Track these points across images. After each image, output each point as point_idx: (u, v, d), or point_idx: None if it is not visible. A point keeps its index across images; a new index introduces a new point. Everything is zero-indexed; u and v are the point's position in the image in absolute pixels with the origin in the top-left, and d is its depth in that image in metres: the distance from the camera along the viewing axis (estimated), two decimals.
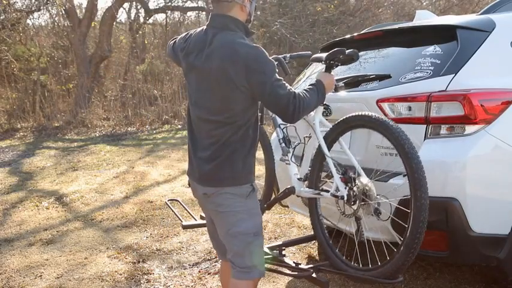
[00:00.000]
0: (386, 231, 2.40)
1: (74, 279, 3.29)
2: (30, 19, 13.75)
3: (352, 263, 2.44)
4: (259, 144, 3.12)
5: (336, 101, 2.67)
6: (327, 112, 2.58)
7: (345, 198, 2.29)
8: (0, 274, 3.44)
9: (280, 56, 2.75)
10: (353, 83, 2.72)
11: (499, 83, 2.33)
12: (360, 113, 2.34)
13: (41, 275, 3.38)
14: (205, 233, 3.98)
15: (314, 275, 2.40)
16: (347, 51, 2.30)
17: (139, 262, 3.53)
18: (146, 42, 15.75)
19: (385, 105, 2.48)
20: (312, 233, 3.57)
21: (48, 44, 13.53)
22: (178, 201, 3.61)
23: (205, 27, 2.04)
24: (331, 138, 2.47)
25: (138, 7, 14.91)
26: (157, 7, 14.49)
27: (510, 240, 2.29)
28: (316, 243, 3.69)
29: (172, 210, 3.40)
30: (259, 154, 2.53)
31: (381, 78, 2.64)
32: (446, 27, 2.64)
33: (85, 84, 11.74)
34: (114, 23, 13.95)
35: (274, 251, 2.72)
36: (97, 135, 10.13)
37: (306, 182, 2.60)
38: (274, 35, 12.05)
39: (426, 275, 3.02)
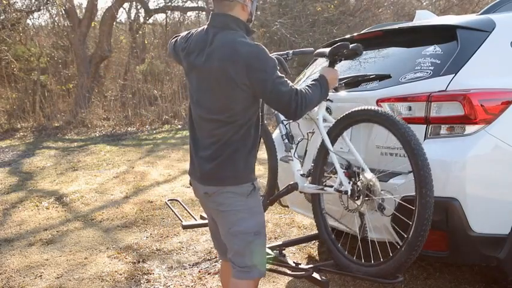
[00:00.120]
0: (389, 231, 2.40)
1: (74, 279, 3.29)
2: (30, 19, 13.78)
3: (354, 257, 2.43)
4: (261, 142, 3.14)
5: (336, 101, 2.66)
6: (327, 112, 2.58)
7: (349, 193, 2.28)
8: (0, 274, 3.44)
9: (281, 54, 2.72)
10: (353, 83, 2.72)
11: (499, 83, 2.33)
12: (366, 107, 2.32)
13: (41, 275, 3.38)
14: (205, 233, 3.98)
15: (314, 275, 2.40)
16: (351, 45, 2.28)
17: (139, 262, 3.53)
18: (146, 42, 15.76)
19: (385, 105, 2.48)
20: (312, 232, 3.58)
21: (48, 44, 13.53)
22: (178, 201, 3.61)
23: (206, 26, 2.04)
24: (335, 133, 2.45)
25: (138, 7, 14.92)
26: (157, 7, 14.50)
27: (510, 240, 2.28)
28: (317, 243, 3.69)
29: (172, 210, 3.40)
30: (259, 154, 2.53)
31: (380, 78, 2.64)
32: (446, 27, 2.64)
33: (85, 84, 11.74)
34: (114, 23, 13.95)
35: (274, 251, 2.72)
36: (97, 135, 10.13)
37: (309, 178, 2.58)
38: (274, 35, 12.05)
39: (426, 275, 3.02)
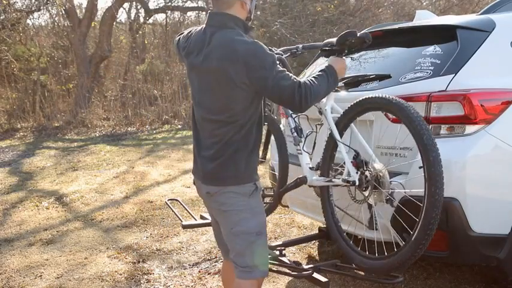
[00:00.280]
0: (386, 231, 2.39)
1: (74, 279, 3.29)
2: (30, 19, 13.77)
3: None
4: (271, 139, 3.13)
5: (335, 101, 2.66)
6: (322, 111, 2.55)
7: (356, 183, 2.24)
8: (0, 274, 3.44)
9: (291, 49, 2.67)
10: (353, 83, 2.71)
11: (499, 83, 2.33)
12: (378, 95, 2.26)
13: (41, 275, 3.38)
14: (205, 233, 3.98)
15: (314, 275, 2.40)
16: (359, 33, 2.24)
17: (139, 262, 3.53)
18: (146, 42, 15.75)
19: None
20: (312, 232, 3.58)
21: (48, 44, 13.53)
22: (178, 201, 3.61)
23: (204, 25, 2.03)
24: (343, 123, 2.42)
25: (138, 7, 14.91)
26: (157, 7, 14.48)
27: (510, 240, 2.29)
28: (317, 243, 3.69)
29: (173, 210, 3.40)
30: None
31: (380, 78, 2.64)
32: (446, 27, 2.64)
33: (85, 84, 11.74)
34: (114, 23, 13.94)
35: (274, 251, 2.72)
36: (97, 135, 10.13)
37: (318, 171, 2.55)
38: (274, 35, 12.04)
39: (426, 275, 3.02)
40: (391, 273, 2.37)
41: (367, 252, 2.37)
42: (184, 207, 3.41)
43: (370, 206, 2.34)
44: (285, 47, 2.67)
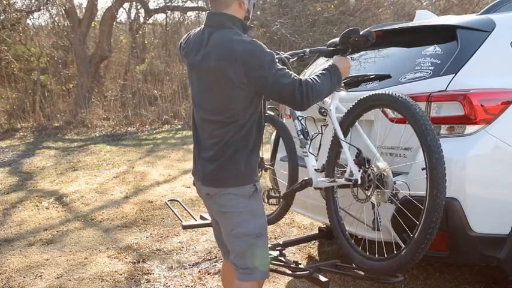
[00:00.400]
0: (386, 231, 2.39)
1: (74, 279, 3.29)
2: (30, 19, 13.77)
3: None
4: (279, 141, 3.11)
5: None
6: (326, 112, 2.55)
7: (359, 181, 2.22)
8: (0, 274, 3.44)
9: (298, 53, 2.64)
10: (353, 83, 2.71)
11: (499, 83, 2.33)
12: (385, 92, 2.24)
13: (41, 275, 3.38)
14: (205, 233, 3.98)
15: (314, 275, 2.40)
16: (362, 31, 2.23)
17: (139, 262, 3.53)
18: (146, 42, 15.75)
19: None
20: (312, 232, 3.58)
21: (48, 44, 13.53)
22: (178, 201, 3.61)
23: (203, 26, 2.03)
24: (347, 123, 2.41)
25: (138, 7, 14.91)
26: (157, 7, 14.47)
27: (510, 240, 2.29)
28: (317, 243, 3.69)
29: (172, 210, 3.40)
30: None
31: (380, 78, 2.64)
32: (446, 27, 2.64)
33: (85, 84, 11.74)
34: (114, 23, 13.94)
35: (274, 251, 2.72)
36: (97, 135, 10.13)
37: (323, 173, 2.54)
38: (274, 35, 12.04)
39: (426, 275, 3.02)
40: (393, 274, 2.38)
41: (367, 253, 2.37)
42: (184, 207, 3.41)
43: (373, 206, 2.33)
44: (292, 51, 2.65)
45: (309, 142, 2.62)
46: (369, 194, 2.24)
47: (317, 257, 3.51)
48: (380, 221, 2.33)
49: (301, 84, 1.89)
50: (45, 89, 12.02)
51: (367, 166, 2.22)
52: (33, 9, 12.86)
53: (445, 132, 2.31)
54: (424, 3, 15.18)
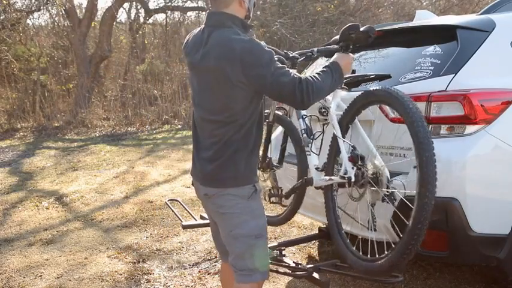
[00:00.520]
0: (386, 231, 2.39)
1: (74, 279, 3.29)
2: (30, 19, 13.77)
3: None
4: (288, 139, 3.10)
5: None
6: (326, 112, 2.55)
7: (352, 179, 2.19)
8: (0, 274, 3.44)
9: (305, 52, 2.59)
10: (353, 83, 2.71)
11: (499, 83, 2.33)
12: (381, 87, 2.22)
13: (41, 275, 3.38)
14: (205, 233, 3.98)
15: (314, 275, 2.40)
16: (362, 28, 2.20)
17: (139, 262, 3.53)
18: (146, 42, 15.75)
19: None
20: (312, 232, 3.58)
21: (48, 44, 13.53)
22: (178, 201, 3.61)
23: (203, 26, 2.02)
24: (346, 120, 2.39)
25: (138, 7, 14.91)
26: (157, 7, 14.48)
27: (510, 240, 2.28)
28: (317, 243, 3.69)
29: (172, 210, 3.40)
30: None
31: (380, 78, 2.64)
32: (446, 27, 2.64)
33: (85, 84, 11.74)
34: (114, 23, 13.94)
35: (274, 251, 2.71)
36: (97, 135, 10.13)
37: (324, 172, 2.51)
38: (274, 35, 12.04)
39: (426, 275, 3.02)
40: (391, 274, 2.37)
41: (361, 253, 2.35)
42: (184, 207, 3.41)
43: (369, 205, 2.31)
44: (300, 51, 2.64)
45: (312, 141, 2.60)
46: (361, 193, 2.21)
47: (317, 257, 3.51)
48: (375, 221, 2.31)
49: (301, 82, 1.87)
50: (45, 89, 12.02)
51: (360, 163, 2.18)
52: (33, 9, 12.86)
53: (445, 132, 2.31)
54: (424, 3, 15.18)
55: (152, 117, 11.11)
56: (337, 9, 12.87)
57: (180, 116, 11.04)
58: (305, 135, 2.59)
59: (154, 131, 10.37)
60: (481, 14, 2.72)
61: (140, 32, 15.23)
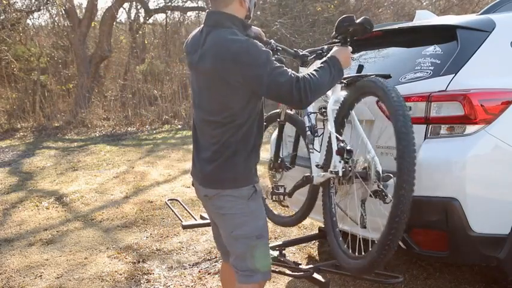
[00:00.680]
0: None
1: (74, 279, 3.29)
2: (30, 19, 13.76)
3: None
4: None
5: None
6: (325, 112, 2.54)
7: (340, 173, 2.15)
8: (0, 274, 3.44)
9: (315, 50, 2.59)
10: (353, 82, 2.71)
11: (499, 83, 2.33)
12: (370, 78, 2.21)
13: (41, 275, 3.38)
14: (205, 233, 3.98)
15: (314, 275, 2.40)
16: (357, 20, 2.15)
17: (139, 262, 3.53)
18: (146, 42, 15.75)
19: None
20: (312, 232, 3.59)
21: (48, 44, 13.52)
22: (178, 201, 3.61)
23: (202, 25, 2.02)
24: (342, 114, 2.37)
25: (138, 7, 14.90)
26: (157, 7, 14.47)
27: (510, 240, 2.29)
28: (317, 243, 3.69)
29: (172, 210, 3.40)
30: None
31: (381, 78, 2.64)
32: (446, 27, 2.64)
33: (85, 84, 11.74)
34: (114, 23, 13.94)
35: (274, 251, 2.71)
36: (97, 135, 10.13)
37: (323, 169, 2.49)
38: (274, 35, 12.02)
39: (426, 275, 3.02)
40: (391, 274, 2.38)
41: (350, 251, 2.33)
42: (184, 207, 3.41)
43: (363, 202, 2.26)
44: (310, 49, 2.62)
45: (315, 139, 2.58)
46: (348, 188, 2.17)
47: (317, 257, 3.51)
48: (365, 218, 2.27)
49: (298, 81, 1.83)
50: (45, 89, 12.02)
51: (346, 156, 2.14)
52: (33, 9, 12.86)
53: (445, 132, 2.31)
54: (424, 3, 15.18)
55: (152, 117, 11.11)
56: (337, 9, 12.86)
57: (180, 116, 11.04)
58: (309, 132, 2.56)
59: (154, 131, 10.37)
60: (481, 14, 2.72)
61: (140, 32, 15.23)
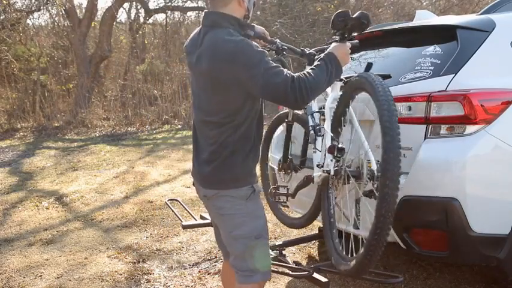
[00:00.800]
0: None
1: (74, 279, 3.29)
2: (30, 19, 13.78)
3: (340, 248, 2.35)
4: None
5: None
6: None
7: (331, 172, 2.12)
8: (0, 274, 3.44)
9: (322, 49, 2.54)
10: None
11: (499, 83, 2.33)
12: (360, 74, 2.18)
13: (41, 275, 3.38)
14: (205, 233, 3.98)
15: (314, 275, 2.40)
16: (354, 15, 2.11)
17: (139, 262, 3.53)
18: (146, 42, 15.76)
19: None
20: (312, 232, 3.58)
21: (48, 44, 13.53)
22: (178, 201, 3.61)
23: (201, 26, 2.01)
24: (340, 111, 2.36)
25: (138, 7, 14.92)
26: (157, 7, 14.49)
27: (510, 240, 2.28)
28: (317, 243, 3.69)
29: (172, 210, 3.40)
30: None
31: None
32: (446, 27, 2.64)
33: (85, 84, 11.74)
34: (114, 23, 13.95)
35: (274, 251, 2.71)
36: (97, 135, 10.13)
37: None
38: (274, 35, 12.03)
39: (426, 275, 3.02)
40: (391, 274, 2.37)
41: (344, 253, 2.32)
42: (184, 207, 3.41)
43: (357, 202, 2.26)
44: (317, 47, 2.61)
45: (317, 138, 2.56)
46: (339, 186, 2.13)
47: (317, 257, 3.51)
48: (359, 218, 2.25)
49: (293, 81, 1.79)
50: (45, 89, 12.03)
51: (338, 154, 2.10)
52: (33, 9, 12.87)
53: (445, 132, 2.31)
54: (424, 3, 15.18)
55: (152, 117, 11.11)
56: (337, 9, 12.86)
57: (180, 116, 11.05)
58: (312, 132, 2.51)
59: (154, 131, 10.37)
60: (481, 14, 2.72)
61: (140, 32, 15.24)
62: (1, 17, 11.76)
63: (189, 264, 3.47)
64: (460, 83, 2.30)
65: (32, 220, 4.60)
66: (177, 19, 15.85)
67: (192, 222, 3.22)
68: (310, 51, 2.51)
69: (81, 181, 6.05)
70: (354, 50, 2.19)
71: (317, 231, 3.43)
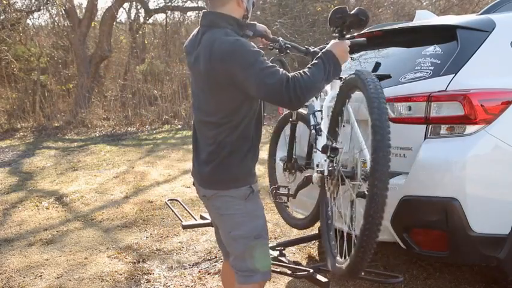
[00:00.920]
0: (386, 231, 2.39)
1: (74, 279, 3.29)
2: (30, 19, 13.76)
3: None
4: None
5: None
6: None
7: (325, 172, 2.11)
8: (0, 274, 3.44)
9: (314, 49, 2.57)
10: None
11: (499, 83, 2.33)
12: (353, 72, 2.16)
13: (41, 275, 3.38)
14: (205, 233, 3.98)
15: (314, 275, 2.40)
16: (351, 11, 2.09)
17: (139, 262, 3.53)
18: (146, 42, 15.75)
19: (359, 91, 2.44)
20: (312, 232, 3.58)
21: (48, 44, 13.52)
22: (178, 201, 3.61)
23: (200, 26, 2.01)
24: (336, 110, 2.35)
25: (138, 7, 14.91)
26: (157, 7, 14.47)
27: (510, 240, 2.29)
28: (316, 243, 3.69)
29: (172, 210, 3.40)
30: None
31: (380, 78, 2.64)
32: (446, 27, 2.65)
33: (85, 84, 11.74)
34: (114, 23, 13.94)
35: (274, 251, 2.71)
36: (97, 135, 10.13)
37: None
38: (275, 35, 12.03)
39: (426, 275, 3.02)
40: (391, 273, 2.37)
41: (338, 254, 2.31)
42: (184, 207, 3.41)
43: (352, 203, 2.24)
44: (322, 45, 2.60)
45: (318, 138, 2.55)
46: (332, 187, 2.12)
47: (317, 257, 3.51)
48: (354, 219, 2.23)
49: (288, 81, 1.74)
50: (45, 89, 12.02)
51: (331, 154, 2.07)
52: (33, 9, 12.86)
53: (445, 132, 2.31)
54: (424, 3, 15.18)
55: (152, 117, 11.11)
56: None
57: (180, 116, 11.04)
58: (313, 131, 2.51)
59: (154, 131, 10.37)
60: (481, 14, 2.72)
61: (140, 32, 15.23)
62: (1, 17, 11.76)
63: (189, 264, 3.47)
64: (460, 83, 2.31)
65: (32, 220, 4.60)
66: (177, 19, 15.85)
67: (192, 222, 3.22)
68: (315, 49, 2.50)
69: (81, 181, 6.05)
70: (359, 48, 2.17)
71: (317, 232, 3.42)
